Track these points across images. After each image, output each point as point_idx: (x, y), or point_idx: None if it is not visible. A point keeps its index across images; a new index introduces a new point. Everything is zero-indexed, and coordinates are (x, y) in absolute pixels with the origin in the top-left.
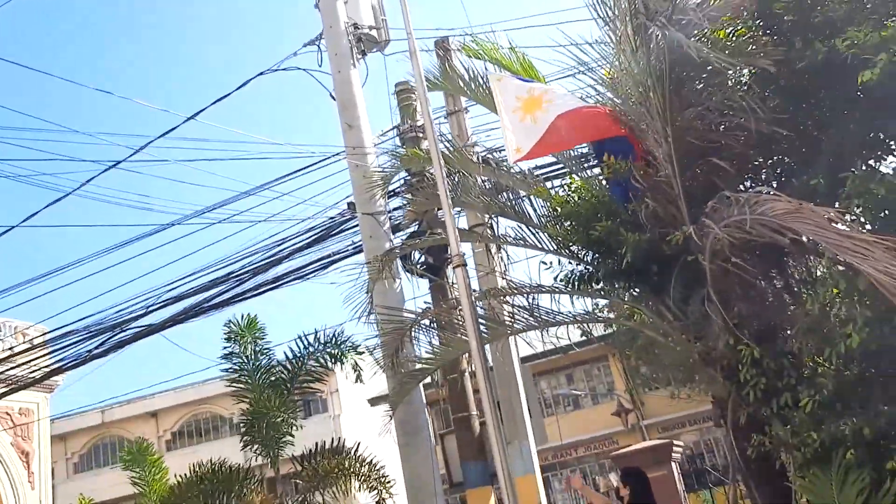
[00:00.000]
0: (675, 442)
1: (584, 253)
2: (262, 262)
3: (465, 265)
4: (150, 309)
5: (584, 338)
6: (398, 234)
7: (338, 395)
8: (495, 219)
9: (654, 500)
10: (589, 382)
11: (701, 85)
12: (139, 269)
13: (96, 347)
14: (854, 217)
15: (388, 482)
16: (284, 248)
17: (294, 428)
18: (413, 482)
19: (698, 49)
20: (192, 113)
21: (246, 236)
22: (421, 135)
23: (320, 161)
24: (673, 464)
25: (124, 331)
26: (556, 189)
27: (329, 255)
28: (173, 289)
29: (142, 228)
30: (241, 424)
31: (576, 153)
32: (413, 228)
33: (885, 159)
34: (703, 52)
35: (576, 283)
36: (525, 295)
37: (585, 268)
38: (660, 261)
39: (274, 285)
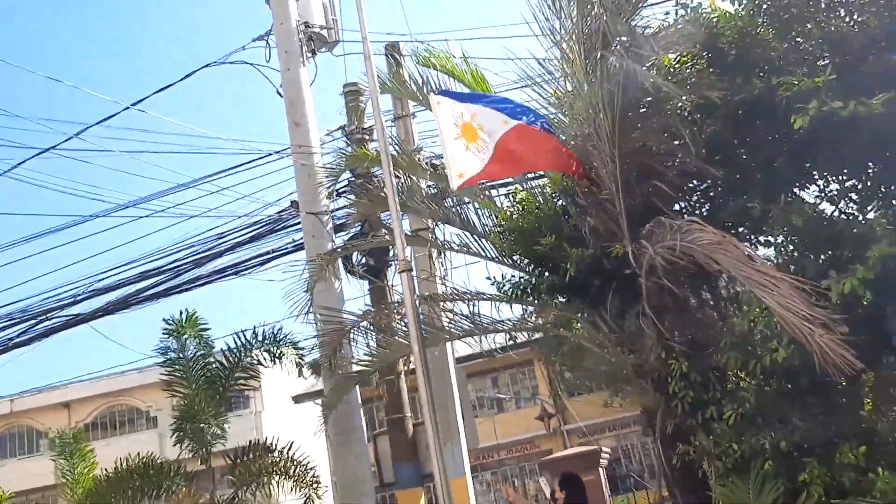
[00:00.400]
0: (603, 448)
1: (526, 263)
2: (200, 256)
3: (410, 270)
4: (79, 298)
5: (511, 342)
6: (340, 234)
7: (260, 392)
8: (440, 225)
9: (588, 502)
10: (514, 386)
11: (644, 110)
12: (70, 257)
13: (19, 335)
14: (777, 243)
15: (319, 484)
16: (224, 242)
17: (226, 425)
18: (346, 481)
19: (654, 80)
20: (146, 104)
21: (183, 229)
22: (367, 137)
23: (263, 157)
24: (600, 469)
25: (49, 319)
26: (500, 197)
27: (268, 252)
28: (104, 278)
29: (72, 217)
30: (174, 420)
31: None
32: (354, 229)
33: (809, 188)
34: (659, 82)
35: (519, 293)
36: (466, 301)
37: (528, 279)
38: (600, 275)
39: (211, 279)
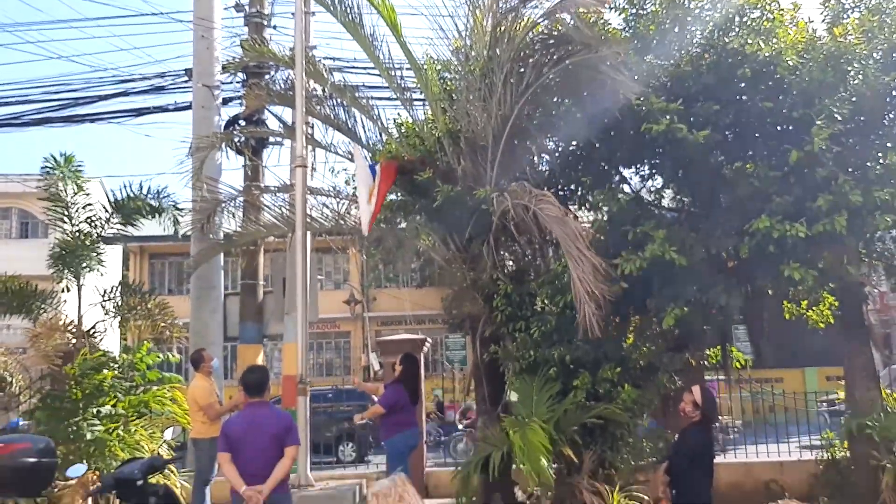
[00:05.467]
0: (428, 339)
1: (400, 185)
2: (83, 96)
3: (305, 167)
4: None
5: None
6: (225, 106)
7: None
8: (327, 128)
9: (419, 376)
10: (326, 268)
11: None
12: None
13: None
14: (601, 217)
15: (178, 325)
16: (107, 88)
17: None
18: (199, 330)
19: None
20: None
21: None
22: (265, 23)
23: (153, 14)
24: (421, 354)
25: None
26: (388, 121)
27: (150, 108)
28: None
29: None
30: (55, 247)
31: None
32: (239, 105)
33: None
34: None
35: (393, 209)
36: (338, 199)
37: (404, 199)
38: (461, 207)
39: (87, 118)
